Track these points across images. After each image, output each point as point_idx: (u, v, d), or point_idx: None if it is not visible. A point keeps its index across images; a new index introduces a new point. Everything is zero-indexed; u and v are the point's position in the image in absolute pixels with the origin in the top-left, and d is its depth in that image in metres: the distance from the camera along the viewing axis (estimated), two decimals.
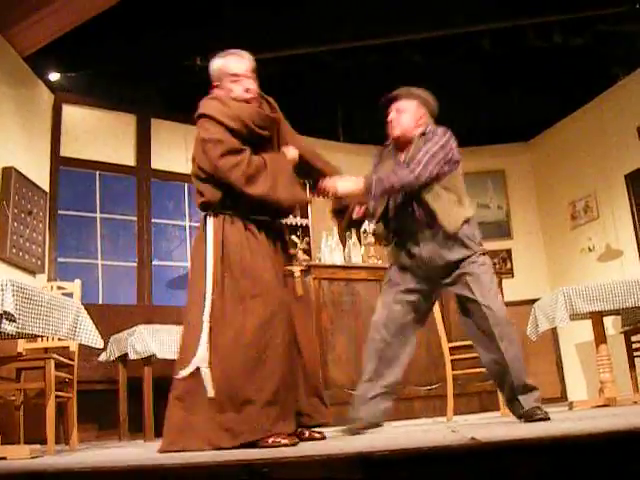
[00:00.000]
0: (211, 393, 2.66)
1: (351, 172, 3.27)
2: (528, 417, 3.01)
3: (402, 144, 3.34)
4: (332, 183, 3.10)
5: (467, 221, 3.23)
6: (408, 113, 3.32)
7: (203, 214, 2.95)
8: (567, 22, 5.68)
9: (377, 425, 3.25)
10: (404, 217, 3.28)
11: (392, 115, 3.36)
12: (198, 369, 2.69)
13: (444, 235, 3.19)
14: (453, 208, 3.21)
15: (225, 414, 2.62)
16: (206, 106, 2.90)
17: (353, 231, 3.36)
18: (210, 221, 2.88)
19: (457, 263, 3.21)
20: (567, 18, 5.59)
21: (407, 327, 3.31)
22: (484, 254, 3.26)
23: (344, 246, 6.43)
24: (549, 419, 2.96)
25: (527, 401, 3.07)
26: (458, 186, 3.27)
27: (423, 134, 3.29)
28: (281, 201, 2.87)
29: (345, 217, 3.37)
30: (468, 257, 3.20)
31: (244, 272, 2.77)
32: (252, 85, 2.95)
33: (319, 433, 2.89)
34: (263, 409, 2.60)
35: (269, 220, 2.94)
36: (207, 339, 2.71)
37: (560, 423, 2.68)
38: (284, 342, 2.73)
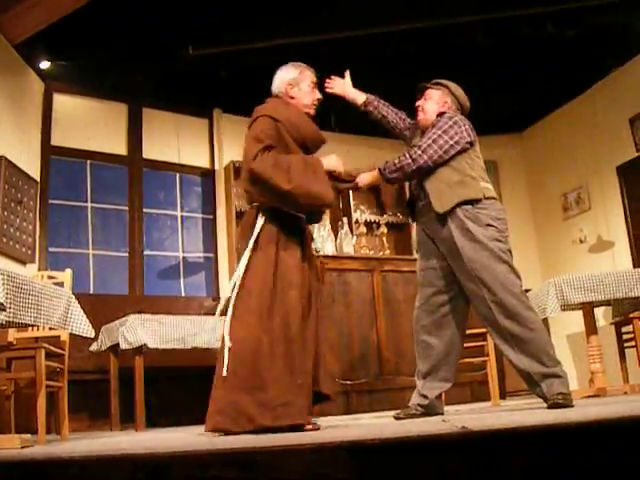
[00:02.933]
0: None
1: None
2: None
3: (424, 128, 3.54)
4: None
5: (471, 202, 3.24)
6: (432, 100, 3.56)
7: None
8: (560, 13, 5.65)
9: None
10: (420, 199, 3.46)
11: (419, 102, 3.61)
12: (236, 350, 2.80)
13: (436, 214, 3.29)
14: (449, 188, 3.26)
15: (268, 394, 2.72)
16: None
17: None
18: None
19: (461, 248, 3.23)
20: (560, 9, 5.57)
21: (443, 319, 3.46)
22: (498, 240, 3.21)
23: (336, 236, 6.41)
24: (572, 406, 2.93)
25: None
26: (466, 167, 3.32)
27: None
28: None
29: None
30: (471, 241, 3.21)
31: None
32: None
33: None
34: (307, 394, 2.76)
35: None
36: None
37: (550, 412, 2.70)
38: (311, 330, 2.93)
